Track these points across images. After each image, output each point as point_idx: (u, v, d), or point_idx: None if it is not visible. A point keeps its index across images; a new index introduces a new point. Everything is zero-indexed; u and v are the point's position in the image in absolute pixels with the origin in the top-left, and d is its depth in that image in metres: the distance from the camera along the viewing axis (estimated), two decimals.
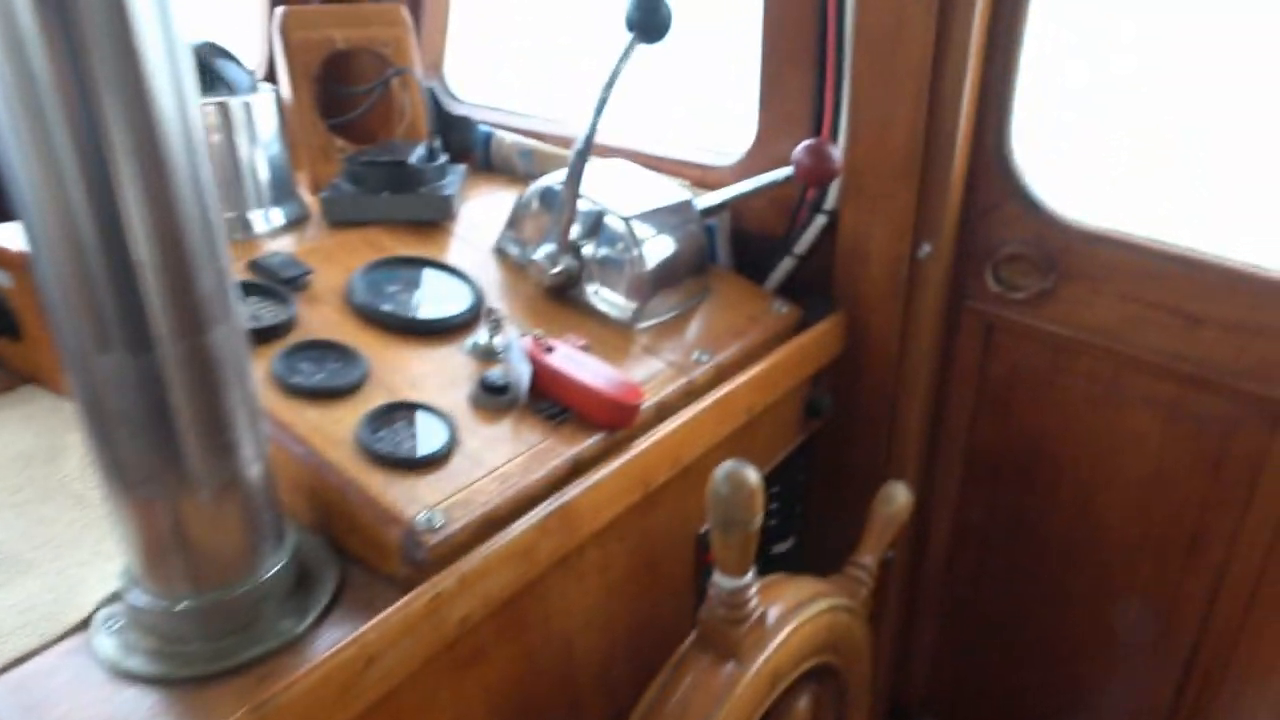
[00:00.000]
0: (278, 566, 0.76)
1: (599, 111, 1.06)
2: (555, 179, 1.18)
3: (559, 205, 1.11)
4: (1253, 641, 1.23)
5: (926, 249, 1.24)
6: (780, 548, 1.44)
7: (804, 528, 1.47)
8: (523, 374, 0.94)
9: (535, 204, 1.20)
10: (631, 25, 1.01)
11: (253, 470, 0.72)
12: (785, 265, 1.32)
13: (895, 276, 1.26)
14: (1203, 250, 1.12)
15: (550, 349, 0.97)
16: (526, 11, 2.00)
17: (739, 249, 1.37)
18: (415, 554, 0.77)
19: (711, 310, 1.22)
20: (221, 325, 0.66)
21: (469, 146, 1.52)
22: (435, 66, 1.66)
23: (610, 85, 1.05)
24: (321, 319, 1.00)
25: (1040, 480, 1.36)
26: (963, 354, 1.35)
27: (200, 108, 1.11)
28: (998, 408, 1.36)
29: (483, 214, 1.32)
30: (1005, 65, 1.15)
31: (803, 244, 1.30)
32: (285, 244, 1.16)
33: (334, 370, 0.92)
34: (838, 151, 1.07)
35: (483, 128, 1.54)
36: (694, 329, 1.16)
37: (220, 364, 0.67)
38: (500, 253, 1.22)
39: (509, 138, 1.51)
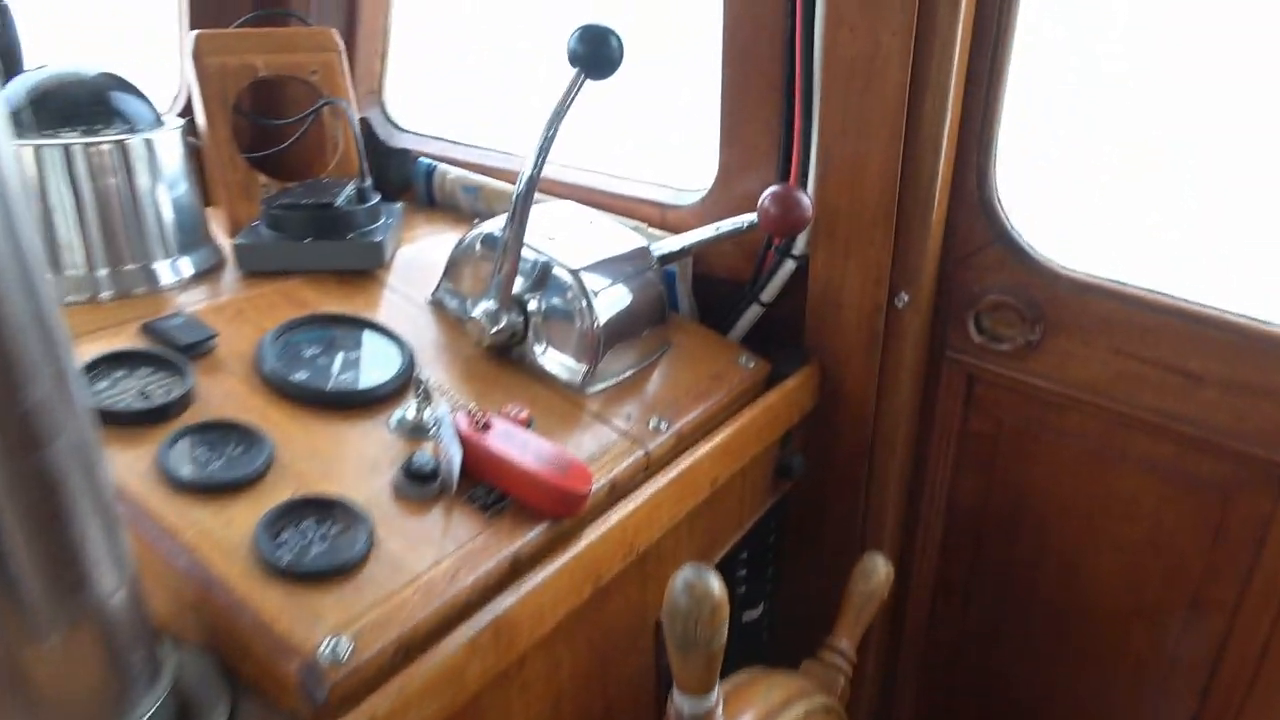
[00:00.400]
0: (150, 711, 0.63)
1: (543, 151, 0.95)
2: (497, 224, 1.06)
3: (500, 255, 0.99)
4: (1258, 716, 1.14)
5: (904, 298, 1.14)
6: (750, 614, 1.33)
7: (775, 591, 1.36)
8: (454, 457, 0.82)
9: (475, 252, 1.08)
10: (575, 60, 0.90)
11: (114, 602, 0.60)
12: (751, 313, 1.21)
13: (871, 327, 1.16)
14: (1204, 303, 1.03)
15: (486, 426, 0.85)
16: (480, 31, 1.88)
17: (702, 295, 1.26)
18: (316, 693, 0.65)
19: (672, 367, 1.11)
20: (61, 437, 0.54)
21: (409, 181, 1.40)
22: (374, 93, 1.53)
23: (555, 124, 0.94)
24: (224, 393, 0.87)
25: (1026, 541, 1.26)
26: (943, 407, 1.25)
27: (88, 148, 1.00)
28: (980, 464, 1.26)
29: (420, 260, 1.20)
30: (988, 100, 1.06)
31: (770, 291, 1.19)
32: (194, 298, 1.03)
33: (233, 457, 0.79)
34: (807, 198, 0.97)
35: (424, 161, 1.42)
36: (652, 390, 1.05)
37: (62, 484, 0.54)
38: (437, 305, 1.10)
39: (453, 172, 1.39)
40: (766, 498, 1.21)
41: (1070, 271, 1.10)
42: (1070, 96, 1.25)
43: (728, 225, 1.05)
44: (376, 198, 1.17)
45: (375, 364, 0.95)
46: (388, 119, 1.54)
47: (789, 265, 1.17)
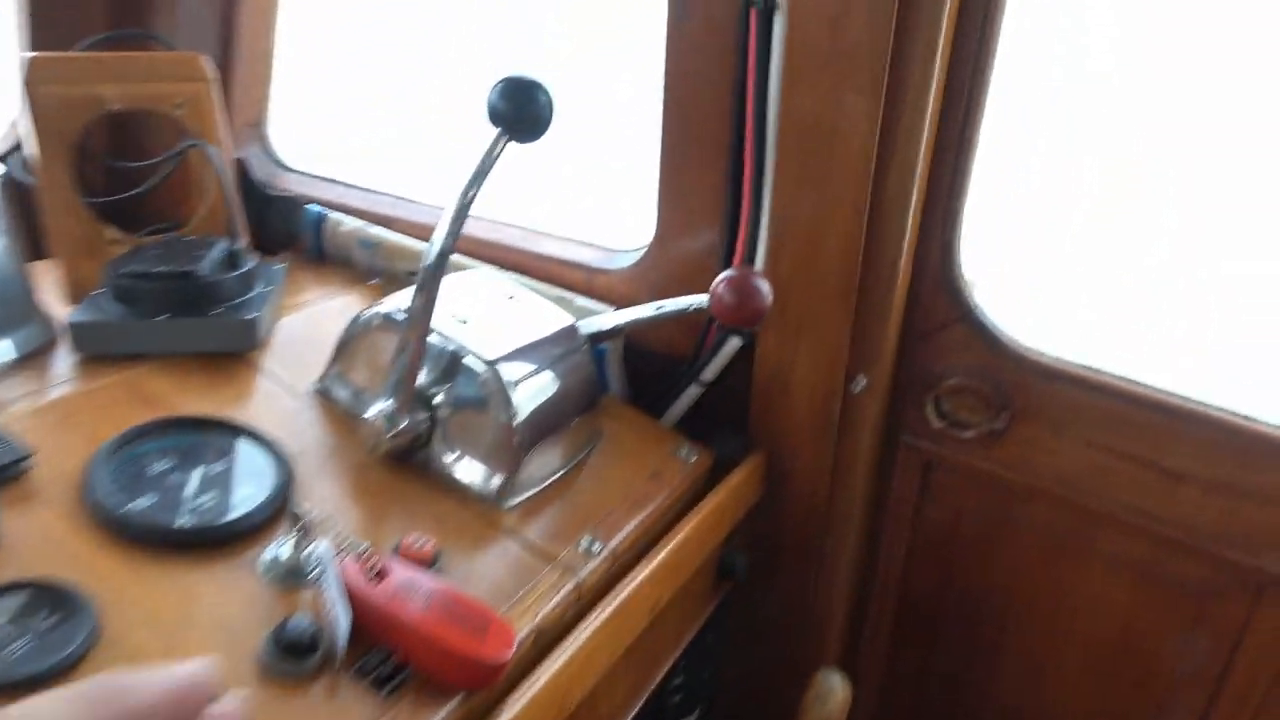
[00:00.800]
0: None
1: (456, 222, 0.79)
2: (399, 302, 0.90)
3: (401, 343, 0.83)
4: None
5: (862, 381, 1.03)
6: None
7: (714, 694, 1.22)
8: (340, 619, 0.65)
9: (371, 332, 0.91)
10: (497, 118, 0.75)
11: None
12: (690, 393, 1.08)
13: (825, 414, 1.04)
14: (1185, 395, 0.95)
15: (381, 574, 0.68)
16: (390, 54, 1.69)
17: (635, 368, 1.12)
18: None
19: (604, 465, 0.96)
20: None
21: (295, 232, 1.21)
22: (255, 126, 1.34)
23: (471, 190, 0.78)
24: (40, 536, 0.68)
25: (984, 638, 1.16)
26: (897, 494, 1.14)
27: None
28: (936, 555, 1.15)
29: (306, 335, 1.02)
30: (956, 169, 0.95)
31: (712, 370, 1.06)
32: (8, 395, 0.83)
33: (44, 635, 0.61)
34: (767, 285, 0.84)
35: (313, 209, 1.23)
36: (582, 498, 0.90)
37: None
38: (324, 396, 0.93)
39: (348, 223, 1.21)
40: (707, 604, 1.07)
41: (1040, 355, 1.01)
42: (1038, 162, 1.16)
43: (670, 306, 0.91)
44: (251, 262, 0.98)
45: (243, 482, 0.77)
46: (271, 157, 1.35)
47: (734, 343, 1.03)
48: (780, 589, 1.17)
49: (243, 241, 0.98)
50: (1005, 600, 1.13)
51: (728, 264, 1.02)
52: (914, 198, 0.94)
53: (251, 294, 0.96)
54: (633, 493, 0.93)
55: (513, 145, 0.77)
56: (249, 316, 0.92)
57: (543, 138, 0.77)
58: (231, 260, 0.96)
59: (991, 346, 1.01)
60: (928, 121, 0.90)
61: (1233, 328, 1.15)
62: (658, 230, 1.07)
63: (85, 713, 0.25)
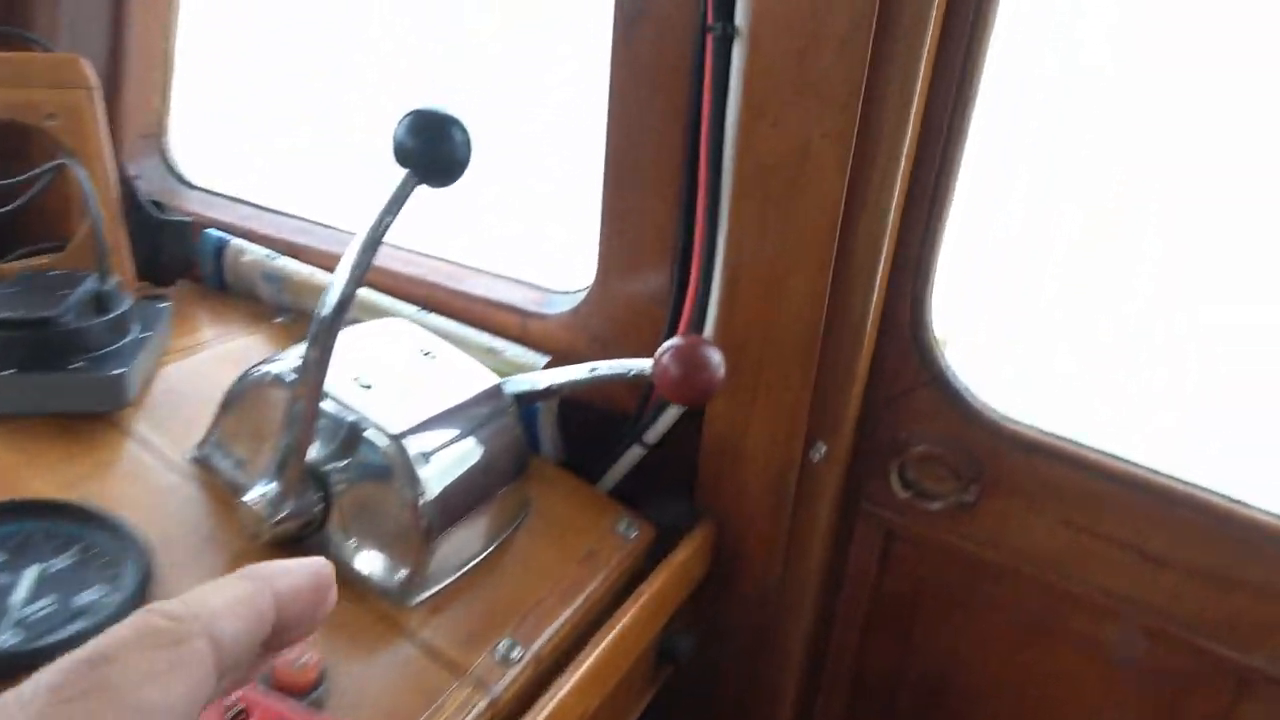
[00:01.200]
0: None
1: (358, 269, 0.67)
2: (289, 362, 0.77)
3: (289, 414, 0.70)
4: None
5: (822, 450, 0.93)
6: None
7: None
8: None
9: (258, 393, 0.78)
10: (404, 158, 0.63)
11: None
12: (632, 455, 0.97)
13: (781, 484, 0.94)
14: (1172, 475, 0.86)
15: (242, 716, 0.56)
16: (317, 56, 1.55)
17: (572, 424, 1.00)
18: None
19: (531, 546, 0.84)
20: None
21: (191, 258, 1.08)
22: (151, 138, 1.19)
23: (374, 236, 0.66)
24: None
25: (947, 717, 1.08)
26: (855, 564, 1.04)
27: None
28: (895, 630, 1.06)
29: (190, 386, 0.88)
30: (930, 221, 0.86)
31: (656, 432, 0.95)
32: None
33: None
34: (719, 356, 0.73)
35: (213, 234, 1.10)
36: (503, 590, 0.78)
37: None
38: (204, 465, 0.79)
39: (251, 251, 1.07)
40: (644, 693, 0.96)
41: (1015, 424, 0.92)
42: (1015, 205, 1.07)
43: (606, 369, 0.80)
44: (125, 302, 0.85)
45: (90, 584, 0.64)
46: (172, 171, 1.20)
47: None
48: (727, 671, 1.06)
49: (115, 279, 0.84)
50: (968, 682, 1.04)
51: (677, 314, 0.92)
52: (884, 250, 0.85)
53: (123, 341, 0.83)
54: (563, 580, 0.81)
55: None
56: (115, 371, 0.78)
57: (459, 180, 0.65)
58: (99, 302, 0.82)
59: (963, 413, 0.92)
60: (901, 170, 0.80)
61: (1224, 386, 1.08)
62: (599, 272, 0.96)
63: (247, 591, 0.28)
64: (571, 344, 0.99)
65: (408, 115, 0.63)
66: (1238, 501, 0.84)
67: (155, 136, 1.18)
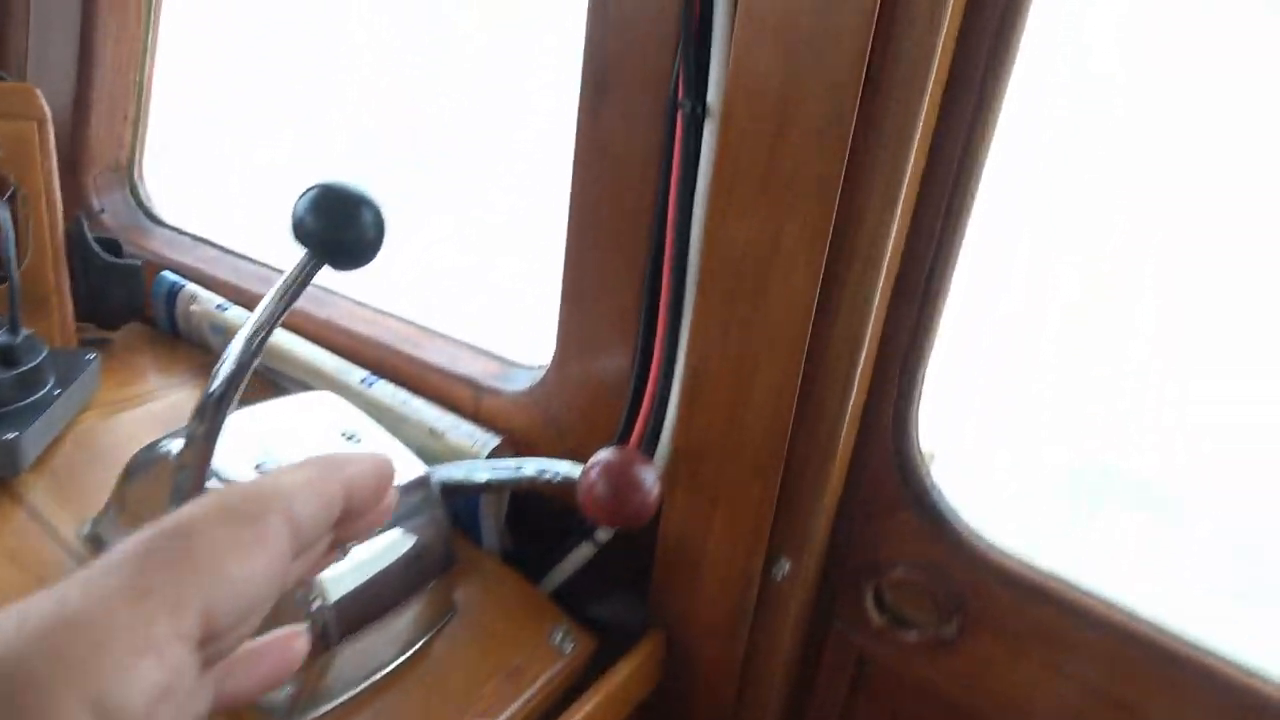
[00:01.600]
0: None
1: (249, 354, 0.60)
2: (175, 443, 0.70)
3: (172, 494, 0.63)
4: None
5: (785, 567, 0.84)
6: None
7: None
8: None
9: (159, 467, 0.71)
10: (304, 237, 0.56)
11: None
12: (582, 553, 0.88)
13: (739, 601, 0.85)
14: (1177, 635, 0.76)
15: None
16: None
17: (525, 514, 0.93)
18: None
19: (450, 656, 0.76)
20: None
21: (136, 304, 1.02)
22: (119, 170, 1.14)
23: (273, 313, 0.59)
24: None
25: None
26: (824, 687, 0.94)
27: None
28: None
29: (107, 447, 0.82)
30: (920, 323, 0.77)
31: (607, 530, 0.87)
32: None
33: None
34: (653, 476, 0.65)
35: (168, 277, 1.04)
36: (407, 711, 0.70)
37: None
38: (96, 544, 0.73)
39: (202, 300, 1.02)
40: None
41: (1005, 557, 0.82)
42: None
43: (531, 468, 0.73)
44: (38, 356, 0.79)
45: None
46: (140, 206, 1.15)
47: None
48: None
49: (23, 335, 0.78)
50: None
51: (636, 406, 0.84)
52: (863, 354, 0.76)
53: (29, 399, 0.77)
54: (480, 698, 0.73)
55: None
56: (7, 436, 0.72)
57: (369, 264, 0.58)
58: (6, 355, 0.76)
59: (948, 540, 0.83)
60: (884, 269, 0.72)
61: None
62: (557, 351, 0.89)
63: (318, 474, 0.30)
64: (527, 426, 0.92)
65: (311, 189, 0.56)
66: (1251, 671, 0.74)
67: (124, 169, 1.14)
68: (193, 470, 0.62)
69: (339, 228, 0.55)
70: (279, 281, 0.57)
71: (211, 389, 0.61)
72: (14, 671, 0.20)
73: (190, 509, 0.26)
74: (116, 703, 0.21)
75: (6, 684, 0.20)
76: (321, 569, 0.34)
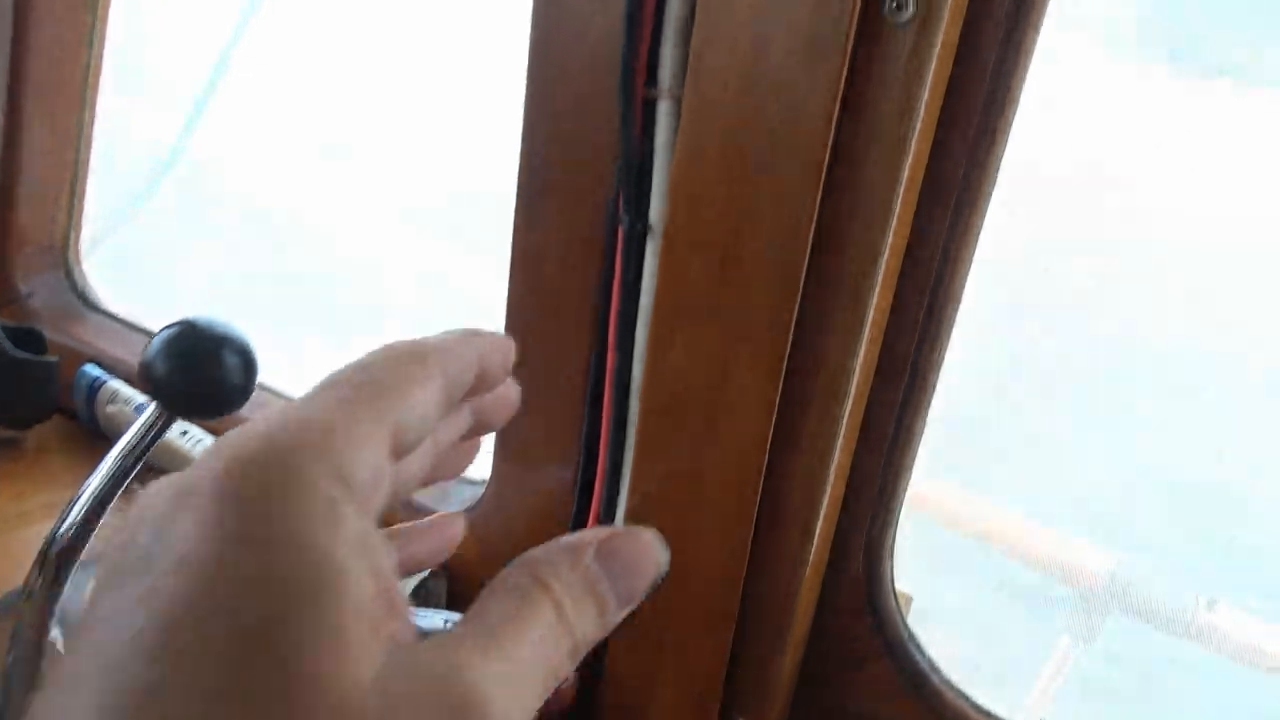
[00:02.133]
0: None
1: (97, 504, 0.52)
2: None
3: (7, 657, 0.55)
4: None
5: None
6: None
7: None
8: None
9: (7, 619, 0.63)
10: (155, 389, 0.48)
11: None
12: None
13: None
14: None
15: None
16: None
17: None
18: None
19: None
20: None
21: (50, 402, 0.94)
22: (52, 250, 1.07)
23: (116, 481, 0.51)
24: None
25: None
26: None
27: None
28: None
29: None
30: (890, 462, 0.69)
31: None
32: None
33: None
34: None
35: (90, 371, 0.97)
36: None
37: None
38: None
39: (119, 401, 0.94)
40: None
41: (989, 718, 0.72)
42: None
43: (425, 623, 0.64)
44: None
45: None
46: (74, 289, 1.08)
47: None
48: None
49: None
50: None
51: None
52: (825, 495, 0.67)
53: None
54: None
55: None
56: None
57: (235, 412, 0.50)
58: None
59: (927, 697, 0.73)
60: (848, 408, 0.63)
61: None
62: (494, 475, 0.80)
63: (456, 340, 0.30)
64: (463, 551, 0.82)
65: (165, 329, 0.48)
66: None
67: (58, 249, 1.07)
68: (29, 630, 0.54)
69: (190, 376, 0.48)
70: (121, 440, 0.49)
71: (50, 550, 0.53)
72: (268, 459, 0.23)
73: (357, 358, 0.28)
74: (349, 471, 0.24)
75: (264, 472, 0.23)
76: (455, 469, 0.36)
